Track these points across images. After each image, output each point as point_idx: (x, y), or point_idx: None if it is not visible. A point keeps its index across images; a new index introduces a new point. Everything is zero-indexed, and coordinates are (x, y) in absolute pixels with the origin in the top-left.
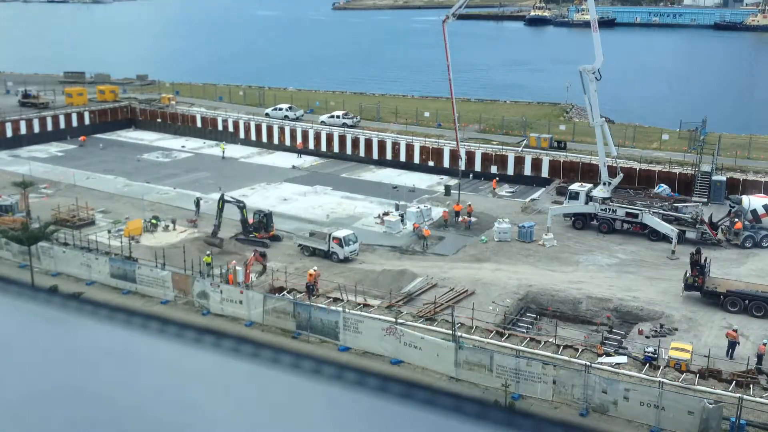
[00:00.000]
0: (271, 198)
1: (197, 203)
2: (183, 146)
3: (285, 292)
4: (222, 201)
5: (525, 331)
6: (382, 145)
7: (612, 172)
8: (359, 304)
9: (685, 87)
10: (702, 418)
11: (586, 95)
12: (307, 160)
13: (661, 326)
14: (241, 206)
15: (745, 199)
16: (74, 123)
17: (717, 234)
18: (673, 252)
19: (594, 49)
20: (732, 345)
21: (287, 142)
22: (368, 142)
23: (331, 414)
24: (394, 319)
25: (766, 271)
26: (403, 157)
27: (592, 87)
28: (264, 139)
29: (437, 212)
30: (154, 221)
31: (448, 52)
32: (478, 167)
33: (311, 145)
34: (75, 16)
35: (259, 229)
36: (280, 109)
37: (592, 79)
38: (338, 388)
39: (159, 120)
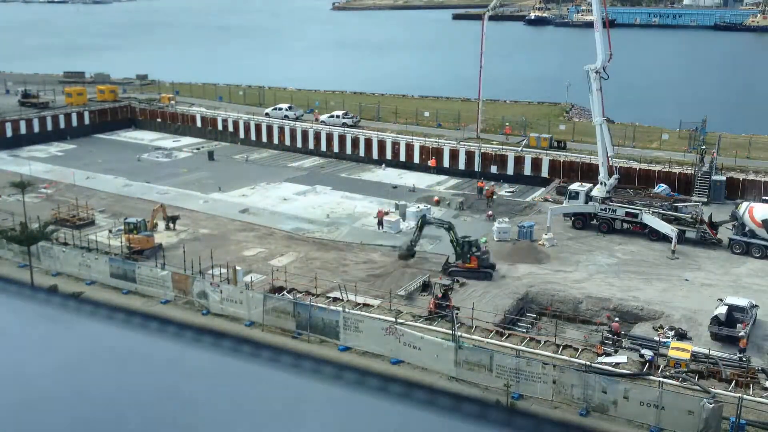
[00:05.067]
0: (271, 198)
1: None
2: (176, 140)
3: (285, 292)
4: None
5: (525, 331)
6: (382, 145)
7: (609, 172)
8: (359, 304)
9: (685, 87)
10: (702, 418)
11: (590, 94)
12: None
13: (674, 328)
14: (447, 228)
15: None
16: (74, 123)
17: (716, 234)
18: (673, 252)
19: (597, 49)
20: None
21: (287, 142)
22: (368, 142)
23: (331, 414)
24: (394, 319)
25: (766, 271)
26: (403, 157)
27: (595, 86)
28: (264, 139)
29: (436, 212)
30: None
31: (483, 46)
32: (478, 167)
33: (311, 145)
34: (75, 16)
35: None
36: (280, 109)
37: (596, 78)
38: (338, 388)
39: (159, 120)
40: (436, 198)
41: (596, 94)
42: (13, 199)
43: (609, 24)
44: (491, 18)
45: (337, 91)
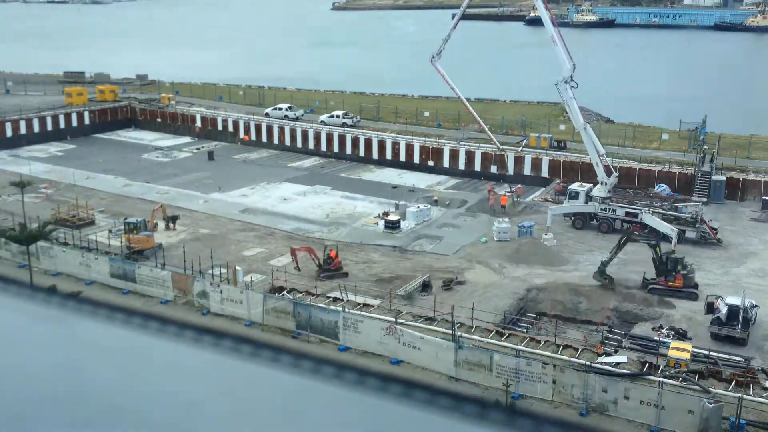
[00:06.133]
0: (271, 198)
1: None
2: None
3: (285, 292)
4: (625, 239)
5: (525, 331)
6: (382, 144)
7: (607, 171)
8: (359, 304)
9: (686, 87)
10: (702, 418)
11: (566, 104)
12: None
13: (674, 328)
14: (653, 245)
15: None
16: (74, 123)
17: (717, 234)
18: (673, 252)
19: (559, 61)
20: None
21: (287, 142)
22: (368, 142)
23: (331, 414)
24: (394, 319)
25: (766, 271)
26: (403, 157)
27: (568, 95)
28: (264, 138)
29: (436, 211)
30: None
31: (449, 81)
32: (478, 167)
33: (311, 145)
34: (75, 16)
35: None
36: (280, 109)
37: (566, 88)
38: (338, 388)
39: (159, 120)
40: (435, 197)
41: (571, 102)
42: (13, 199)
43: (609, 24)
44: (491, 18)
45: (337, 91)
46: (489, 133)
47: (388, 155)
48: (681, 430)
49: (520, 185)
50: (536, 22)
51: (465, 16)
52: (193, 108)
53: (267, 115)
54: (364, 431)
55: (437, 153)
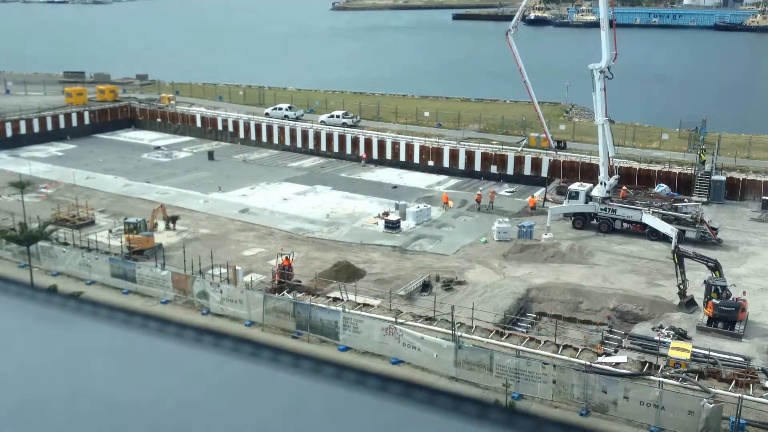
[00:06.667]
0: (270, 198)
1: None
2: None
3: (285, 292)
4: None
5: (525, 331)
6: (382, 144)
7: (609, 172)
8: (359, 304)
9: (685, 87)
10: (702, 418)
11: (594, 93)
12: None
13: (674, 328)
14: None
15: None
16: (74, 123)
17: (717, 234)
18: (673, 251)
19: (602, 48)
20: None
21: (287, 142)
22: (368, 142)
23: (331, 414)
24: (394, 319)
25: (766, 270)
26: (403, 157)
27: (599, 85)
28: (264, 138)
29: (435, 212)
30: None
31: (519, 60)
32: (478, 167)
33: (311, 145)
34: (75, 16)
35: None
36: (280, 109)
37: (600, 77)
38: (338, 388)
39: (159, 120)
40: (445, 194)
41: (600, 93)
42: (13, 199)
43: (609, 24)
44: (491, 18)
45: (337, 91)
46: (546, 130)
47: (388, 155)
48: (681, 431)
49: (492, 189)
50: (537, 22)
51: (464, 17)
52: (193, 108)
53: (267, 115)
54: (364, 431)
55: (437, 153)
